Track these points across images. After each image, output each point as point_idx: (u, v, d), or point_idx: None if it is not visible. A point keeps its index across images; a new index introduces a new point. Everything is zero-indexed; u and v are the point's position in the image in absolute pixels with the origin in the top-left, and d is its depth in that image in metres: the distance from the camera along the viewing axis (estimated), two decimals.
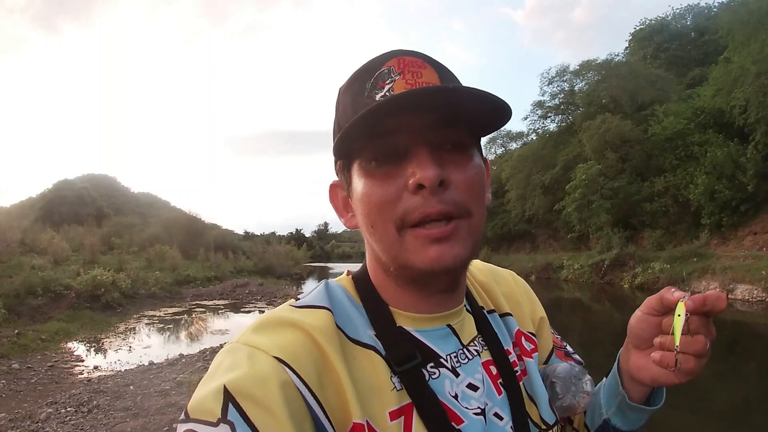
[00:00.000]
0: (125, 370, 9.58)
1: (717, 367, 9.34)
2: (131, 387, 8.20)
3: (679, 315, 0.74)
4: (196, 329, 15.03)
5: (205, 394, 0.63)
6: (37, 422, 6.58)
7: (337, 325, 0.75)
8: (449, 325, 0.84)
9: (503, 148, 50.23)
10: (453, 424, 0.75)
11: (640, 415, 0.93)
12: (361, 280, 0.86)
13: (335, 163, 0.85)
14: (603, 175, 27.56)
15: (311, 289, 0.83)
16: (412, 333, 0.81)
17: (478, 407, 0.79)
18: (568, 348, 1.06)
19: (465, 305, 0.89)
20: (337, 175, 0.87)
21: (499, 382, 0.85)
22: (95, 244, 25.80)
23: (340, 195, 0.87)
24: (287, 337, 0.71)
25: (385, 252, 0.78)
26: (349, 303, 0.82)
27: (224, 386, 0.62)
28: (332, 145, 0.81)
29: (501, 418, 0.81)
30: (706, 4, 39.60)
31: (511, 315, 0.96)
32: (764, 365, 9.23)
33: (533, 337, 0.97)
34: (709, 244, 21.01)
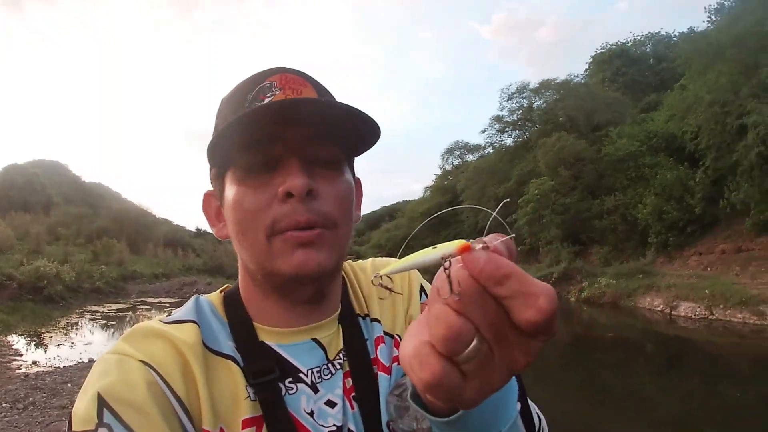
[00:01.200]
0: (64, 366, 9.39)
1: (660, 382, 9.62)
2: (69, 384, 8.03)
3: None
4: (133, 324, 14.75)
5: (82, 403, 0.66)
6: None
7: (202, 337, 0.77)
8: (315, 339, 0.85)
9: (460, 159, 50.87)
10: None
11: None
12: (229, 296, 0.88)
13: (210, 170, 0.87)
14: (555, 191, 28.10)
15: (183, 306, 0.85)
16: (273, 347, 0.82)
17: (334, 425, 0.79)
18: None
19: (338, 317, 0.88)
20: (211, 183, 0.88)
21: (352, 395, 0.83)
22: (41, 234, 25.08)
23: (213, 204, 0.90)
24: (154, 345, 0.74)
25: (253, 259, 0.80)
26: (213, 317, 0.84)
27: (97, 392, 0.66)
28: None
29: None
30: (666, 33, 40.81)
31: (378, 321, 0.92)
32: (706, 380, 9.54)
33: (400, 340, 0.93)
34: (655, 262, 21.64)
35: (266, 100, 0.77)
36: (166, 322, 0.79)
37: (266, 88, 0.78)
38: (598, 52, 42.08)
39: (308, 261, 0.74)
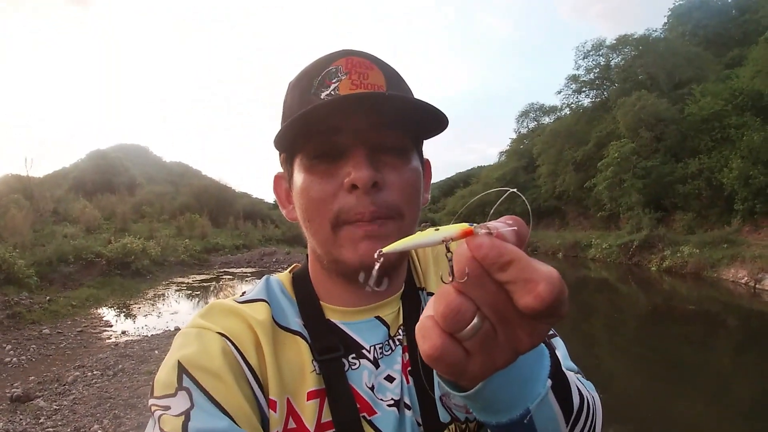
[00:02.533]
0: (152, 335, 9.82)
1: (741, 360, 9.24)
2: (156, 351, 8.44)
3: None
4: (223, 296, 15.16)
5: (163, 372, 0.72)
6: (65, 384, 6.83)
7: (272, 315, 0.82)
8: (378, 317, 0.87)
9: (536, 122, 49.51)
10: (365, 414, 0.79)
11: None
12: (298, 276, 0.91)
13: (279, 155, 0.89)
14: (636, 153, 27.02)
15: (254, 286, 0.89)
16: (339, 325, 0.85)
17: (392, 398, 0.81)
18: None
19: (401, 294, 0.91)
20: (281, 166, 0.90)
21: (408, 370, 0.85)
22: (127, 213, 26.15)
23: (283, 186, 0.91)
24: (229, 321, 0.79)
25: (320, 245, 0.82)
26: (282, 296, 0.88)
27: (178, 361, 0.72)
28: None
29: (409, 408, 0.82)
30: None
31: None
32: None
33: None
34: (740, 231, 20.49)
35: (332, 86, 0.77)
36: (239, 302, 0.83)
37: (332, 73, 0.78)
38: (677, 4, 39.73)
39: (373, 252, 0.73)
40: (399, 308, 0.89)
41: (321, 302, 0.87)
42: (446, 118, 0.77)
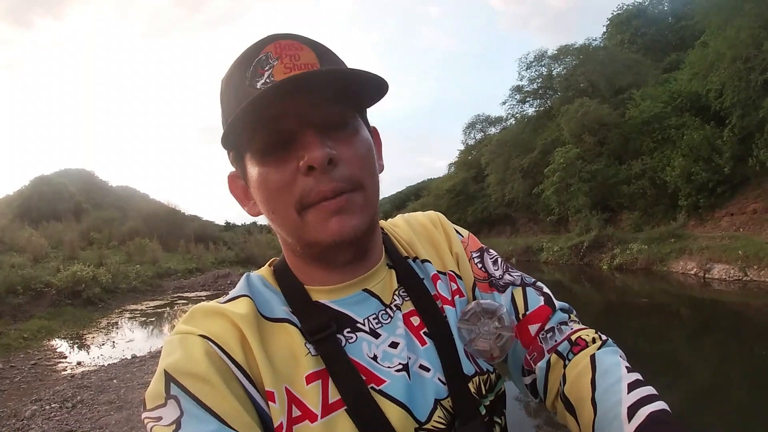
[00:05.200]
0: (108, 364, 9.55)
1: (695, 346, 9.55)
2: (114, 381, 8.22)
3: None
4: (179, 321, 14.89)
5: (152, 384, 0.71)
6: (23, 420, 6.56)
7: (256, 308, 0.81)
8: (366, 289, 0.87)
9: (482, 133, 50.28)
10: (373, 385, 0.78)
11: None
12: (278, 267, 0.90)
13: (228, 154, 0.87)
14: (581, 158, 27.69)
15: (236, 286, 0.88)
16: (327, 304, 0.84)
17: (400, 363, 0.80)
18: (498, 274, 0.99)
19: (387, 263, 0.91)
20: (231, 164, 0.88)
21: (422, 332, 0.85)
22: (74, 240, 25.35)
23: (239, 185, 0.89)
24: (211, 322, 0.78)
25: (289, 234, 0.81)
26: (265, 288, 0.86)
27: (164, 370, 0.71)
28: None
29: (427, 370, 0.82)
30: None
31: (429, 261, 0.95)
32: (742, 343, 9.43)
33: (456, 276, 0.95)
34: (686, 225, 21.23)
35: (266, 74, 0.75)
36: (221, 302, 0.82)
37: (263, 61, 0.76)
38: (615, 13, 41.02)
39: (344, 227, 0.75)
40: (385, 276, 0.89)
41: (305, 286, 0.86)
42: (386, 82, 0.77)
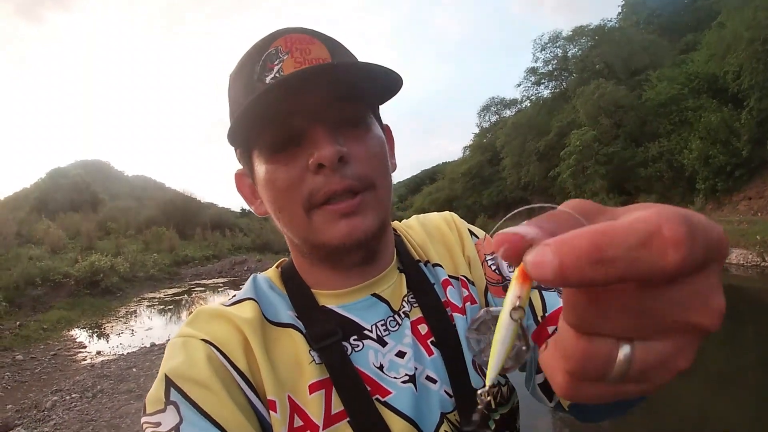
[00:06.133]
0: (128, 353, 9.63)
1: (712, 334, 9.46)
2: (134, 369, 8.29)
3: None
4: (197, 308, 14.96)
5: (153, 388, 0.70)
6: (44, 411, 6.64)
7: (261, 312, 0.78)
8: (375, 294, 0.84)
9: (497, 116, 49.90)
10: (378, 396, 0.75)
11: None
12: (286, 269, 0.88)
13: (235, 151, 0.85)
14: (597, 140, 27.48)
15: (242, 288, 0.86)
16: (334, 309, 0.81)
17: (406, 374, 0.77)
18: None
19: (398, 266, 0.88)
20: (239, 161, 0.86)
21: (429, 341, 0.81)
22: (91, 231, 25.59)
23: (246, 183, 0.87)
24: (215, 325, 0.76)
25: (296, 234, 0.79)
26: (271, 291, 0.84)
27: (165, 375, 0.69)
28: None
29: (434, 381, 0.78)
30: None
31: (440, 265, 0.90)
32: (760, 329, 9.32)
33: (468, 281, 0.90)
34: (704, 209, 20.94)
35: (275, 68, 0.73)
36: (226, 305, 0.80)
37: (273, 56, 0.74)
38: None
39: (353, 230, 0.73)
40: (395, 280, 0.86)
41: (312, 290, 0.83)
42: (400, 77, 0.75)
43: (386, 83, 0.76)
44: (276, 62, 0.73)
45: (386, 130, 0.88)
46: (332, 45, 0.77)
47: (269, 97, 0.68)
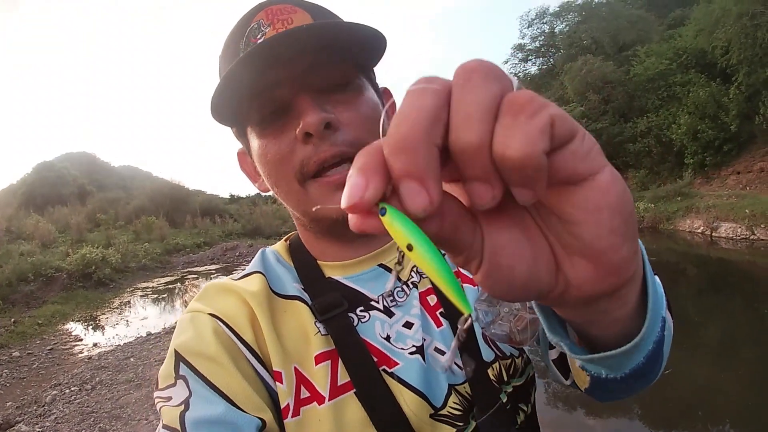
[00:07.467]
0: (124, 343, 9.62)
1: (702, 305, 9.56)
2: (131, 359, 8.31)
3: None
4: (190, 296, 14.92)
5: (164, 364, 0.71)
6: (44, 406, 6.64)
7: (268, 284, 0.79)
8: (381, 264, 0.83)
9: None
10: (385, 367, 0.74)
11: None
12: (293, 242, 0.88)
13: (231, 130, 0.84)
14: (586, 116, 27.43)
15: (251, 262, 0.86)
16: (340, 281, 0.81)
17: (414, 345, 0.76)
18: None
19: None
20: (238, 141, 0.85)
21: (438, 312, 0.80)
22: (81, 223, 25.42)
23: (247, 161, 0.86)
24: (222, 299, 0.77)
25: (295, 207, 0.79)
26: (279, 264, 0.84)
27: (174, 350, 0.71)
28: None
29: (443, 353, 0.77)
30: None
31: None
32: (749, 301, 9.42)
33: None
34: (692, 184, 21.06)
35: (259, 42, 0.71)
36: (234, 279, 0.81)
37: (255, 30, 0.72)
38: None
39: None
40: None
41: (318, 262, 0.83)
42: (383, 35, 0.73)
43: (372, 43, 0.74)
44: (259, 36, 0.72)
45: (385, 92, 0.86)
46: (316, 12, 0.76)
47: (247, 69, 0.67)
